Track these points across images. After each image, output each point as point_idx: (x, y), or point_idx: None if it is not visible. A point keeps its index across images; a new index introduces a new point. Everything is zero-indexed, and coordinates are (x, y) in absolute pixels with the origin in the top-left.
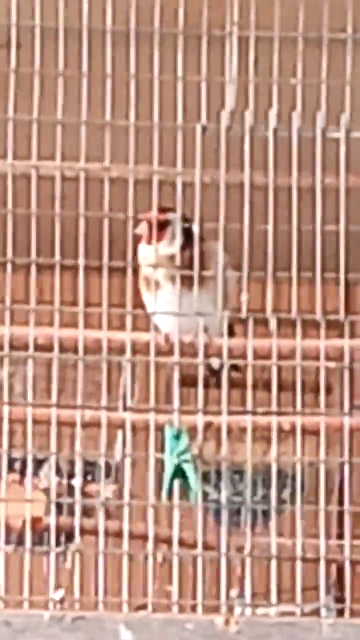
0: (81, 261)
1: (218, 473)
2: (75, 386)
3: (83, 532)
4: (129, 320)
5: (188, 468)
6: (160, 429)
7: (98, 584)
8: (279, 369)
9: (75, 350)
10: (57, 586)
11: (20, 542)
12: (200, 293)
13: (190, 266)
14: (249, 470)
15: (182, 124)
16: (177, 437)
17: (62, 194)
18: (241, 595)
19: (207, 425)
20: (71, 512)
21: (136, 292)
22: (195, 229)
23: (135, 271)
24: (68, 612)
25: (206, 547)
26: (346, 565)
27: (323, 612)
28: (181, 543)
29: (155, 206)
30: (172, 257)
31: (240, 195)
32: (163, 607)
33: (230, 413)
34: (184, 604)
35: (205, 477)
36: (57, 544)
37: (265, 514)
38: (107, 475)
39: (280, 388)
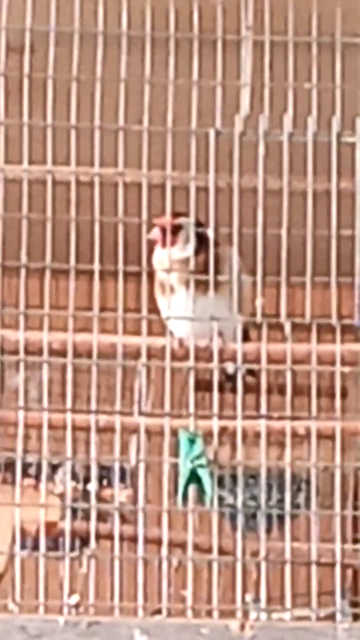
0: (96, 266)
1: (233, 477)
2: (90, 391)
3: (98, 536)
4: (144, 325)
5: (203, 473)
6: (175, 433)
7: (113, 589)
8: (294, 373)
9: (90, 355)
10: (72, 591)
11: (35, 547)
12: (215, 297)
13: (204, 271)
14: (263, 474)
15: (196, 129)
16: (192, 441)
17: (77, 199)
18: (256, 600)
19: (222, 430)
20: (86, 517)
21: (151, 296)
22: (210, 233)
23: (151, 276)
24: (83, 617)
25: (221, 551)
26: None
27: (338, 616)
28: (196, 547)
29: (168, 211)
30: (185, 262)
31: (254, 200)
32: (178, 612)
33: (245, 418)
34: (199, 609)
35: (220, 482)
36: (72, 548)
37: (281, 518)
38: (122, 479)
39: (295, 393)
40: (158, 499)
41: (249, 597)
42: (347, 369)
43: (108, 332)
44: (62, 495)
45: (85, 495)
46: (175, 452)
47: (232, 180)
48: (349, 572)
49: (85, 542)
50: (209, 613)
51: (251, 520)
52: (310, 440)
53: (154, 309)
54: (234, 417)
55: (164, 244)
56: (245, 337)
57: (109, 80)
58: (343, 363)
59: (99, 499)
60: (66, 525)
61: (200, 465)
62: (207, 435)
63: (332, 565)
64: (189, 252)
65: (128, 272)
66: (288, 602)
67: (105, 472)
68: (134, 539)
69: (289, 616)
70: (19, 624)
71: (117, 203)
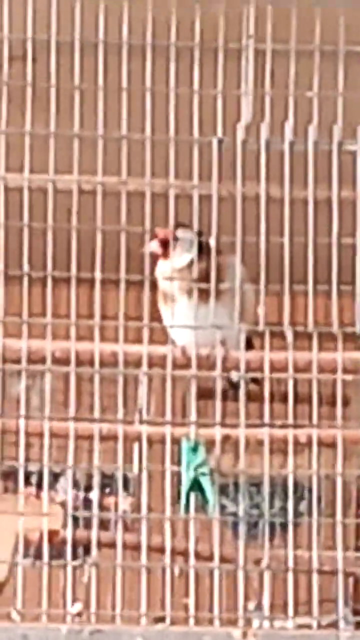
0: (98, 274)
1: (236, 486)
2: (92, 399)
3: (100, 545)
4: (145, 333)
5: (205, 481)
6: (176, 442)
7: (115, 597)
8: (296, 381)
9: (92, 364)
10: (75, 599)
11: (38, 555)
12: (216, 306)
13: (205, 279)
14: (266, 482)
15: (199, 137)
16: (195, 450)
17: (79, 208)
18: (259, 607)
19: (225, 438)
20: (88, 525)
21: (153, 305)
22: (212, 242)
23: (154, 285)
24: (86, 626)
25: (223, 559)
26: None
27: (341, 624)
28: (198, 556)
29: (171, 220)
30: (186, 271)
31: (257, 208)
32: (180, 620)
33: (247, 426)
34: (201, 617)
35: (222, 490)
36: (75, 557)
37: (283, 526)
38: (125, 488)
39: (297, 401)
40: (160, 507)
41: (251, 605)
42: (349, 377)
43: (110, 340)
44: (63, 504)
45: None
46: (177, 460)
47: (234, 188)
48: (352, 580)
49: (87, 550)
50: (211, 621)
51: (253, 529)
52: (312, 448)
53: (155, 317)
54: (236, 425)
55: (164, 256)
56: (249, 346)
57: (111, 89)
58: (345, 371)
59: (101, 507)
60: (68, 533)
61: (203, 474)
62: (210, 444)
63: (335, 573)
64: (184, 262)
65: (130, 281)
66: (290, 610)
67: (107, 480)
68: (136, 547)
69: (292, 624)
70: (21, 632)
71: (120, 212)
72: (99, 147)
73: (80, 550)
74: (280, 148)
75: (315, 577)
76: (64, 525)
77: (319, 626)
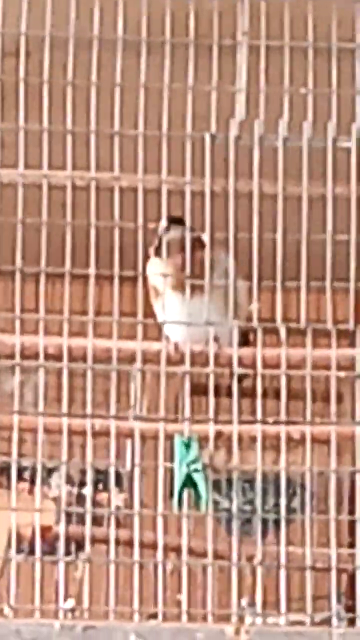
0: (91, 270)
1: (229, 482)
2: (85, 395)
3: (93, 541)
4: (139, 330)
5: (198, 477)
6: (170, 438)
7: (108, 593)
8: (289, 378)
9: (85, 359)
10: (68, 595)
11: (31, 551)
12: (207, 302)
13: (197, 274)
14: (259, 479)
15: (192, 133)
16: (188, 446)
17: (72, 203)
18: (252, 604)
19: (218, 434)
20: (81, 521)
21: (146, 301)
22: (205, 238)
23: (147, 280)
24: (79, 622)
25: (216, 556)
26: (357, 574)
27: (334, 621)
28: (191, 552)
29: (164, 215)
30: (178, 266)
31: (250, 205)
32: (173, 616)
33: (240, 422)
34: (194, 613)
35: (215, 486)
36: (67, 553)
37: (276, 522)
38: (118, 484)
39: (290, 397)
40: (153, 503)
41: (244, 602)
42: (342, 374)
43: (103, 336)
44: (56, 499)
45: (80, 499)
46: (170, 457)
47: (227, 184)
48: (345, 576)
49: (80, 546)
50: (204, 617)
51: (246, 525)
52: (306, 445)
53: (149, 313)
54: (229, 422)
55: (155, 253)
56: (246, 342)
57: (105, 85)
58: (338, 368)
59: (94, 503)
60: (61, 529)
61: (196, 470)
62: (203, 440)
63: (328, 569)
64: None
65: (123, 277)
66: (283, 607)
67: (100, 476)
68: (129, 543)
69: (284, 621)
70: (14, 628)
71: (113, 207)
72: (92, 142)
73: (73, 546)
74: (274, 144)
75: (308, 573)
76: (57, 521)
77: (312, 623)
